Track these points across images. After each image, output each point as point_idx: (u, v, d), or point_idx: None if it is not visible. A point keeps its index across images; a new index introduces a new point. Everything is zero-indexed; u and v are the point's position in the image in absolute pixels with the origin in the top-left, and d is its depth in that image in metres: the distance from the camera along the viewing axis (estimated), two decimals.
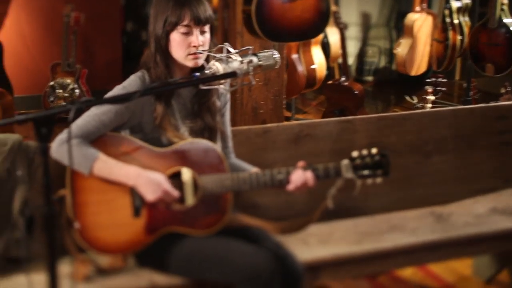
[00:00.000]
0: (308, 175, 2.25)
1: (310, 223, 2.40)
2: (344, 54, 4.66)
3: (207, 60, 2.31)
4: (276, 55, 2.23)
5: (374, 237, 2.63)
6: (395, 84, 6.76)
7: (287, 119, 5.35)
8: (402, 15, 6.86)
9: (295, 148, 2.80)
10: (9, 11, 5.74)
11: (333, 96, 4.61)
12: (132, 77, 2.32)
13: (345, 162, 2.26)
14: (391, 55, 6.75)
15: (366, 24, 6.80)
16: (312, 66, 5.08)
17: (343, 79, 4.56)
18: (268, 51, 2.21)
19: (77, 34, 5.56)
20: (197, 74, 2.11)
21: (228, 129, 2.49)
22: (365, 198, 2.82)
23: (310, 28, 3.27)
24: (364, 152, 2.26)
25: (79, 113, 1.79)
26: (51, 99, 5.47)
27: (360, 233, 2.66)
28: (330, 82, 4.76)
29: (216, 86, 2.22)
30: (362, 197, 2.70)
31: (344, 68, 4.64)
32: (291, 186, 2.26)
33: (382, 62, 6.68)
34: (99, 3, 5.99)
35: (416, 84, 6.62)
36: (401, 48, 4.94)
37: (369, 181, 2.27)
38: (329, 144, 2.84)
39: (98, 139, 2.25)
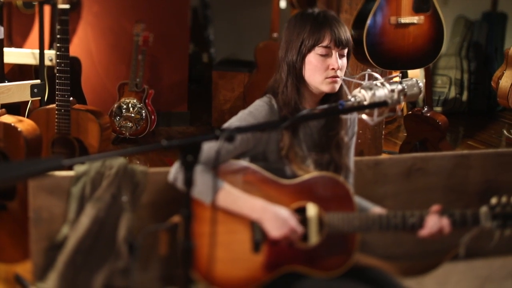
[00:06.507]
0: (445, 222, 2.09)
1: (435, 268, 2.23)
2: (428, 83, 4.47)
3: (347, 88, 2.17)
4: (420, 83, 2.07)
5: (496, 284, 2.44)
6: (465, 115, 6.56)
7: None
8: (474, 44, 6.67)
9: (407, 182, 2.64)
10: (77, 29, 5.69)
11: (414, 126, 4.40)
12: (258, 102, 2.19)
13: (484, 209, 2.10)
14: (462, 85, 6.54)
15: None
16: None
17: (425, 109, 4.37)
18: (411, 79, 2.06)
19: (145, 54, 5.49)
20: (343, 102, 1.96)
21: (352, 164, 2.34)
22: (477, 239, 2.63)
23: (424, 56, 3.11)
24: (504, 199, 2.09)
25: (231, 140, 1.65)
26: (117, 118, 5.41)
27: (478, 278, 2.48)
28: (410, 112, 4.56)
29: (362, 116, 2.06)
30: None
31: (427, 97, 4.44)
32: (425, 232, 2.09)
33: (452, 93, 6.46)
34: (168, 24, 5.88)
35: (487, 118, 6.43)
36: (505, 80, 4.66)
37: (508, 231, 2.09)
38: (442, 180, 2.66)
39: (220, 167, 2.11)
